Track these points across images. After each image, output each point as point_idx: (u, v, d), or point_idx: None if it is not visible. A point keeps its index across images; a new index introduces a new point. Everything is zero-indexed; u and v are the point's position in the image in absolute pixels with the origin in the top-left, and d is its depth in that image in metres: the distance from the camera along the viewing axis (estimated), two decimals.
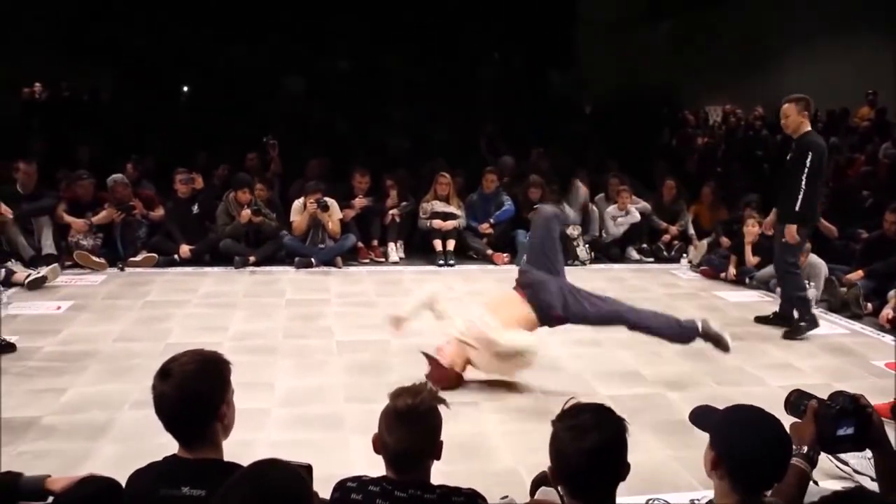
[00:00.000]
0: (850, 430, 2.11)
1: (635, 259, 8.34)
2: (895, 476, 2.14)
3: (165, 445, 1.97)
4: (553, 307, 4.24)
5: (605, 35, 18.34)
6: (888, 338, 5.56)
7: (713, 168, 11.29)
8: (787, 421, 2.04)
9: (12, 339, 4.73)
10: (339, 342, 5.08)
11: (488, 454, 3.49)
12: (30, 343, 4.75)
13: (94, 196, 7.40)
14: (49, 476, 2.32)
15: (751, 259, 7.15)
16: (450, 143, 11.27)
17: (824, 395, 2.23)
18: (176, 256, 7.35)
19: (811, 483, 2.12)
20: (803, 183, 5.17)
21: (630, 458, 1.83)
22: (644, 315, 4.44)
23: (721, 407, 1.99)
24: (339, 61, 16.99)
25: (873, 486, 2.30)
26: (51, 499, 2.27)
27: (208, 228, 7.66)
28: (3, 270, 6.25)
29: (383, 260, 7.94)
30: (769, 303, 6.41)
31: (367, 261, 7.87)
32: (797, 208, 5.27)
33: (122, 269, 7.07)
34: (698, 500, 2.92)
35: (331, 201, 7.45)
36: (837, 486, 2.78)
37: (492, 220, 8.17)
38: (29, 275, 6.25)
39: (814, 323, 5.47)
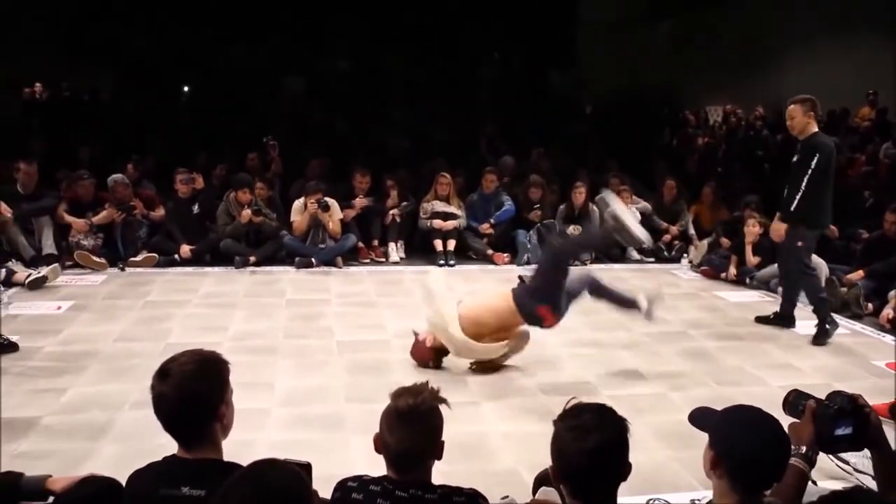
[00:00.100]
0: (848, 430, 2.12)
1: (636, 259, 8.34)
2: (894, 476, 2.14)
3: (165, 445, 1.97)
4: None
5: (606, 35, 18.35)
6: (888, 338, 5.56)
7: (714, 168, 11.29)
8: (785, 421, 2.04)
9: (13, 338, 4.73)
10: (340, 342, 5.08)
11: (489, 454, 3.49)
12: (30, 343, 4.75)
13: (95, 196, 7.40)
14: (50, 476, 2.32)
15: (751, 259, 7.15)
16: (450, 144, 11.27)
17: (824, 396, 2.23)
18: (176, 256, 7.35)
19: (810, 483, 2.12)
20: (804, 184, 5.13)
21: (630, 457, 1.83)
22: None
23: (722, 407, 2.00)
24: (339, 61, 17.02)
25: (874, 485, 2.30)
26: (51, 499, 2.27)
27: (209, 228, 7.66)
28: (4, 270, 6.26)
29: (384, 260, 7.94)
30: (770, 303, 6.41)
31: (368, 261, 7.87)
32: (792, 208, 5.23)
33: (122, 269, 7.07)
34: (699, 500, 2.92)
35: (331, 201, 7.45)
36: (837, 486, 2.78)
37: (492, 221, 8.17)
38: (29, 275, 6.25)
39: (835, 324, 5.43)
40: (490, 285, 6.69)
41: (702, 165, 11.31)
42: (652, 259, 8.36)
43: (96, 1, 15.56)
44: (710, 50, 17.34)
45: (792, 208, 5.25)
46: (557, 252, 4.69)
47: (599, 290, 4.63)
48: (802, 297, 5.89)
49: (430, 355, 4.60)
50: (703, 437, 1.93)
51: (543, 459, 1.97)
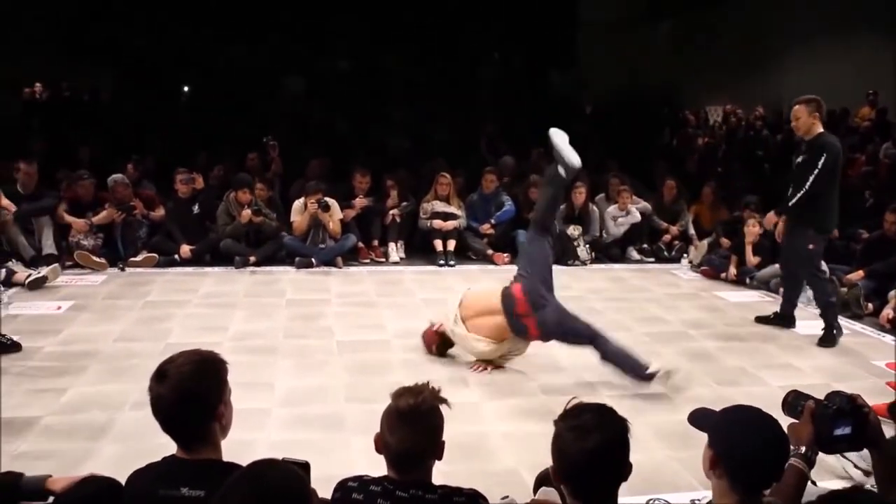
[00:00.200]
0: (847, 430, 2.12)
1: (636, 259, 8.34)
2: (893, 476, 2.14)
3: (165, 445, 1.97)
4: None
5: (606, 35, 18.36)
6: (888, 338, 5.56)
7: (714, 168, 11.29)
8: (784, 421, 2.05)
9: (14, 338, 4.73)
10: (340, 342, 5.08)
11: (489, 454, 3.49)
12: (30, 343, 4.75)
13: (95, 196, 7.40)
14: (50, 476, 2.32)
15: (751, 259, 7.16)
16: (450, 144, 11.27)
17: (824, 396, 2.24)
18: (176, 256, 7.35)
19: (809, 483, 2.13)
20: (808, 183, 5.08)
21: (631, 457, 1.83)
22: (613, 349, 4.34)
23: (722, 407, 2.00)
24: (339, 61, 17.02)
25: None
26: (51, 499, 2.27)
27: (209, 228, 7.66)
28: (4, 270, 6.25)
29: (384, 260, 7.94)
30: (770, 303, 6.42)
31: (368, 261, 7.87)
32: (791, 203, 5.22)
33: (122, 269, 7.07)
34: (699, 500, 2.92)
35: (331, 201, 7.45)
36: (836, 486, 2.78)
37: (493, 221, 8.17)
38: (29, 275, 6.25)
39: (840, 330, 5.40)
40: (490, 285, 6.67)
41: (702, 165, 11.30)
42: (652, 259, 8.36)
43: (96, 1, 15.55)
44: (710, 50, 17.34)
45: (791, 203, 5.23)
46: (532, 224, 4.69)
47: (603, 348, 4.35)
48: (802, 297, 5.90)
49: (436, 340, 4.72)
50: (704, 437, 1.94)
51: (544, 459, 1.97)
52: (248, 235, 7.51)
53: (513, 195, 8.39)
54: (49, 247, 6.99)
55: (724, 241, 7.70)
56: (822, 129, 5.23)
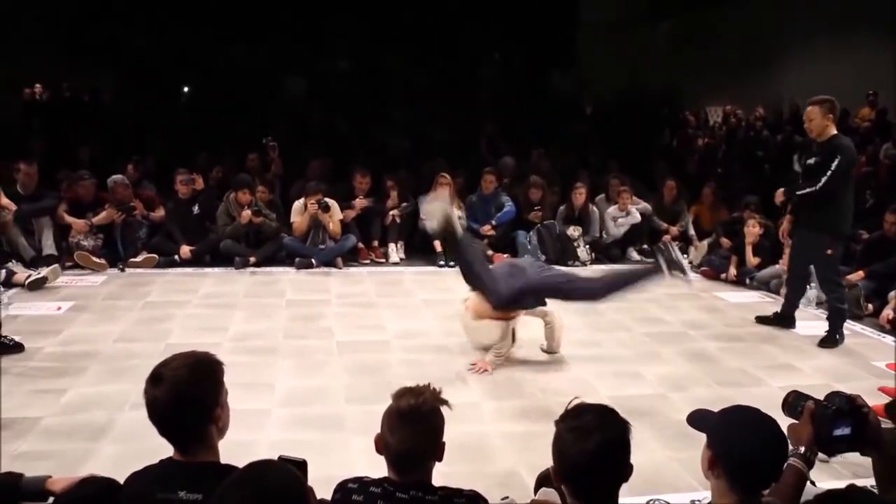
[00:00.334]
0: (846, 431, 2.12)
1: (636, 260, 8.33)
2: (892, 475, 2.14)
3: (165, 446, 1.96)
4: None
5: (606, 35, 18.36)
6: (888, 338, 5.56)
7: (714, 169, 11.29)
8: (784, 422, 2.05)
9: (15, 339, 4.73)
10: (340, 343, 5.08)
11: (489, 455, 3.49)
12: (31, 344, 4.75)
13: (95, 196, 7.40)
14: (50, 477, 2.32)
15: (751, 260, 7.16)
16: (450, 144, 11.27)
17: (824, 396, 2.24)
18: (176, 257, 7.35)
19: (808, 483, 2.13)
20: (821, 183, 5.01)
21: (631, 458, 1.83)
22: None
23: (722, 408, 2.00)
24: (339, 61, 17.01)
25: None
26: (51, 499, 2.27)
27: (209, 229, 7.66)
28: (4, 271, 6.25)
29: (384, 260, 7.94)
30: (770, 303, 6.42)
31: (368, 261, 7.87)
32: (799, 192, 5.18)
33: (122, 270, 7.07)
34: (699, 500, 2.92)
35: (331, 202, 7.46)
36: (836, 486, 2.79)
37: (493, 222, 8.16)
38: (29, 275, 6.25)
39: (843, 337, 5.38)
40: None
41: (702, 166, 11.30)
42: (652, 260, 8.34)
43: (96, 1, 15.55)
44: (711, 50, 17.34)
45: (798, 192, 5.19)
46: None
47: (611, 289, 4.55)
48: (802, 299, 5.89)
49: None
50: (704, 438, 1.94)
51: (544, 460, 1.97)
52: (248, 236, 7.51)
53: (513, 196, 8.38)
54: (49, 247, 6.99)
55: (724, 242, 7.71)
56: (835, 131, 5.15)
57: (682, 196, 8.94)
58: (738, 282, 7.19)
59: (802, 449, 2.12)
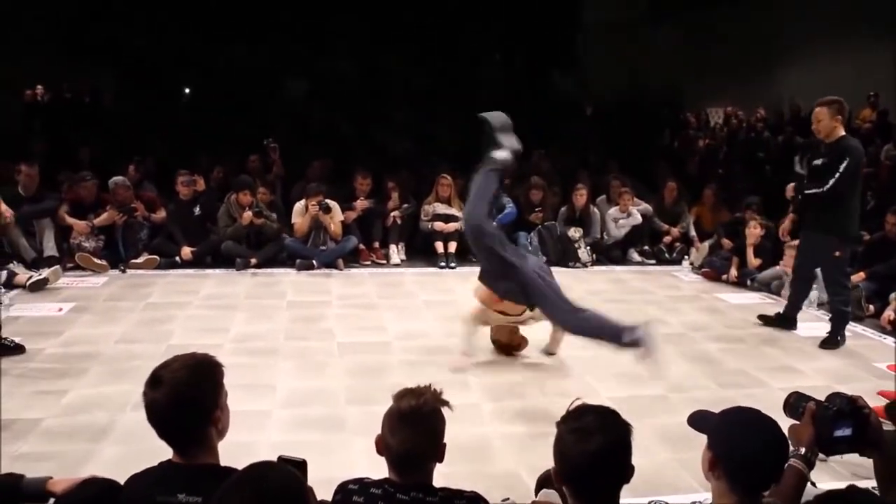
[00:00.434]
0: (847, 432, 2.12)
1: (637, 261, 8.34)
2: (894, 476, 2.14)
3: (166, 447, 1.96)
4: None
5: (607, 36, 18.35)
6: (890, 340, 5.56)
7: (715, 170, 11.29)
8: (785, 423, 2.05)
9: (16, 340, 4.73)
10: (341, 344, 5.08)
11: (490, 456, 3.49)
12: (32, 345, 4.75)
13: (96, 198, 7.41)
14: (51, 478, 2.32)
15: (752, 261, 7.15)
16: (451, 145, 11.26)
17: (825, 397, 2.24)
18: (177, 258, 7.35)
19: (809, 485, 2.13)
20: (828, 185, 4.98)
21: (632, 460, 1.83)
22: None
23: (723, 409, 2.00)
24: (340, 62, 17.00)
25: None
26: (52, 500, 2.27)
27: (210, 230, 7.66)
28: (5, 272, 6.26)
29: (385, 262, 7.94)
30: (771, 304, 6.41)
31: (369, 263, 7.87)
32: (807, 191, 5.14)
33: (123, 271, 7.08)
34: (699, 502, 2.92)
35: (332, 203, 7.46)
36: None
37: (494, 224, 8.14)
38: (31, 277, 6.26)
39: (844, 339, 5.38)
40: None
41: (703, 167, 11.30)
42: (653, 261, 8.36)
43: (97, 1, 15.55)
44: (712, 51, 17.33)
45: (807, 192, 5.15)
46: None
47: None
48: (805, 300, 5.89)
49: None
50: (704, 439, 1.94)
51: (544, 461, 1.97)
52: (248, 237, 7.52)
53: (514, 197, 8.37)
54: (50, 249, 7.00)
55: (726, 243, 7.70)
56: (844, 132, 5.11)
57: (683, 197, 8.94)
58: (739, 283, 7.19)
59: (803, 450, 2.12)
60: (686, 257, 8.29)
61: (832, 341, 5.30)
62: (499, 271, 4.46)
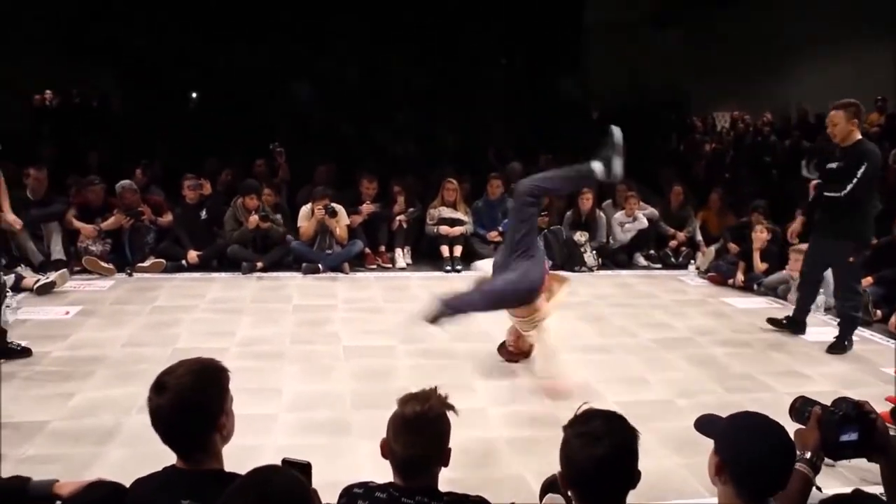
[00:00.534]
0: (853, 437, 2.11)
1: (643, 265, 8.33)
2: None
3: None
4: None
5: (613, 40, 18.34)
6: None
7: (721, 174, 11.26)
8: (792, 428, 2.04)
9: (23, 343, 4.74)
10: (346, 348, 5.08)
11: (495, 461, 3.48)
12: (38, 348, 4.77)
13: (104, 202, 7.44)
14: (57, 480, 2.32)
15: (759, 265, 7.13)
16: (457, 149, 11.28)
17: (831, 402, 2.23)
18: (184, 262, 7.38)
19: (815, 489, 2.12)
20: (846, 191, 4.92)
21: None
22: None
23: (729, 414, 1.99)
24: (341, 63, 17.02)
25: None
26: (59, 503, 2.27)
27: (216, 234, 7.68)
28: (13, 275, 6.28)
29: (390, 266, 7.94)
30: (777, 309, 6.39)
31: (375, 266, 7.88)
32: (827, 192, 5.06)
33: (130, 275, 7.10)
34: None
35: (338, 207, 7.47)
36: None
37: (500, 228, 8.16)
38: (38, 280, 6.29)
39: (852, 344, 5.34)
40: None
41: (709, 171, 11.28)
42: (659, 265, 8.34)
43: (101, 4, 15.62)
44: (719, 55, 17.31)
45: (827, 193, 5.08)
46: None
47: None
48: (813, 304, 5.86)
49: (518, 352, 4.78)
50: (710, 444, 1.93)
51: (550, 466, 1.97)
52: (255, 241, 7.53)
53: None
54: (58, 252, 7.04)
55: (732, 247, 7.68)
56: (860, 136, 5.05)
57: (689, 201, 8.92)
58: (746, 287, 7.17)
59: (809, 454, 2.11)
60: (692, 261, 8.27)
61: (839, 346, 5.28)
62: (505, 256, 4.42)
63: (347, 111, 13.16)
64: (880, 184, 9.02)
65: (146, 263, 7.25)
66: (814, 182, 5.42)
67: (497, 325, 4.95)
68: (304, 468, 1.79)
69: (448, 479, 2.21)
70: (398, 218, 8.13)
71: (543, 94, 17.03)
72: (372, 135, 11.90)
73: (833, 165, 5.11)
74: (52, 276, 6.37)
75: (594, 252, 8.12)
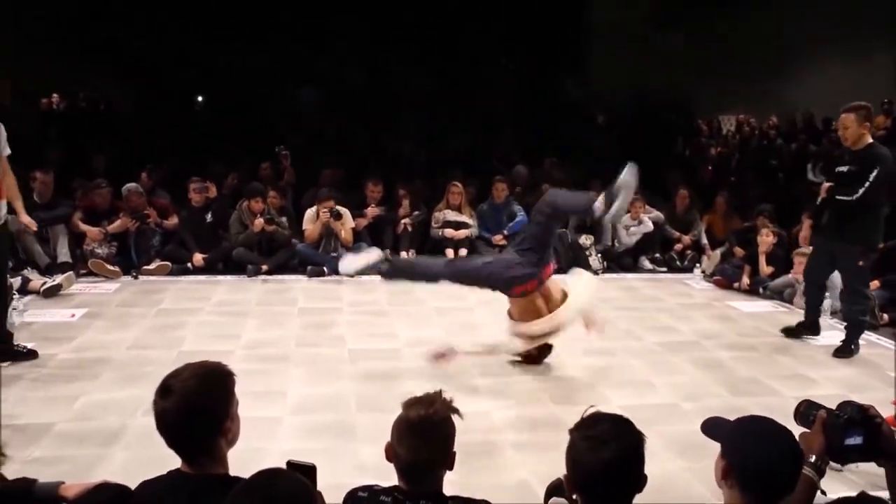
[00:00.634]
0: (858, 440, 2.10)
1: (648, 269, 8.31)
2: None
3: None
4: None
5: (618, 44, 18.33)
6: None
7: (727, 177, 11.26)
8: (797, 432, 2.03)
9: (29, 346, 4.76)
10: (352, 351, 5.08)
11: (500, 464, 3.47)
12: (45, 350, 4.78)
13: (110, 205, 7.47)
14: (63, 482, 2.33)
15: (764, 269, 7.11)
16: (463, 153, 11.29)
17: (836, 405, 2.22)
18: (189, 265, 7.40)
19: (819, 493, 2.11)
20: (857, 195, 4.91)
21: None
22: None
23: (735, 418, 1.98)
24: (342, 63, 17.04)
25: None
26: None
27: (221, 237, 7.70)
28: (20, 278, 6.31)
29: None
30: (783, 313, 6.37)
31: None
32: (838, 196, 5.02)
33: (135, 278, 7.12)
34: None
35: (343, 210, 7.49)
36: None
37: (505, 232, 8.16)
38: (44, 283, 6.31)
39: (858, 348, 5.32)
40: (501, 295, 6.66)
41: (715, 175, 11.28)
42: (664, 269, 8.32)
43: (101, 4, 15.66)
44: (724, 59, 17.28)
45: (839, 197, 5.03)
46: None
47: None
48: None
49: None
50: (716, 448, 1.92)
51: (555, 470, 1.96)
52: (260, 244, 7.55)
53: (525, 205, 8.38)
54: (64, 255, 7.06)
55: (738, 251, 7.67)
56: (871, 139, 5.01)
57: (694, 205, 8.91)
58: (752, 291, 7.15)
59: (813, 458, 2.10)
60: (698, 265, 8.26)
61: (846, 350, 5.25)
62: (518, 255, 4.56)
63: (350, 112, 13.17)
64: (889, 187, 9.03)
65: (152, 266, 7.27)
66: (826, 185, 5.36)
67: (503, 328, 4.93)
68: (309, 471, 1.79)
69: (453, 483, 2.21)
70: (403, 221, 8.14)
71: (545, 96, 17.03)
72: (377, 138, 11.91)
73: (844, 169, 5.07)
74: (59, 278, 6.39)
75: (599, 255, 8.11)
